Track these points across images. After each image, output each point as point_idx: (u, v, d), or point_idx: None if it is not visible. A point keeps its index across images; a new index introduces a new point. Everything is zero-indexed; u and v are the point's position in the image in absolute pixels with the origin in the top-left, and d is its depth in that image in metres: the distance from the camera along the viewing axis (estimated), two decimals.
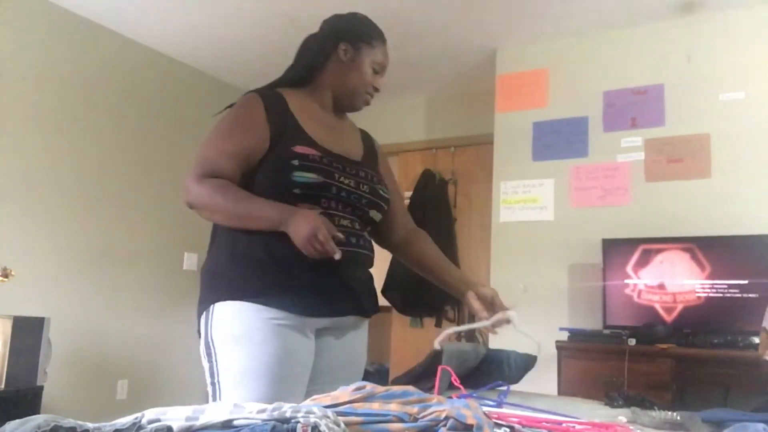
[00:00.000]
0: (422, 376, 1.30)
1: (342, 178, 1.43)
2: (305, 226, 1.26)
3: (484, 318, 1.48)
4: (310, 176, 1.37)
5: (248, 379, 1.29)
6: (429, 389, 1.20)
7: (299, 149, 1.39)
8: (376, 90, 1.57)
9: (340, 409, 0.76)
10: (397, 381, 1.34)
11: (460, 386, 1.14)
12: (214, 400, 1.29)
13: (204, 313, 1.36)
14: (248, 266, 1.36)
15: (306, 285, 1.37)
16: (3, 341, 2.75)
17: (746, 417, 1.14)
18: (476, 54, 4.00)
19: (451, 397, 1.27)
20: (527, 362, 1.54)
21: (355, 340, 1.53)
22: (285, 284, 1.35)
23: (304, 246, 1.27)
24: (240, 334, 1.30)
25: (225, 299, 1.33)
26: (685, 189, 3.27)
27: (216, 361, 1.32)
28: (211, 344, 1.33)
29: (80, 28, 3.66)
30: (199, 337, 1.39)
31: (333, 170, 1.42)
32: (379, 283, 4.45)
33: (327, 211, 1.40)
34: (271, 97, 1.45)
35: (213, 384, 1.33)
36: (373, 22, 1.57)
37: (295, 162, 1.37)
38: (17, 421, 0.62)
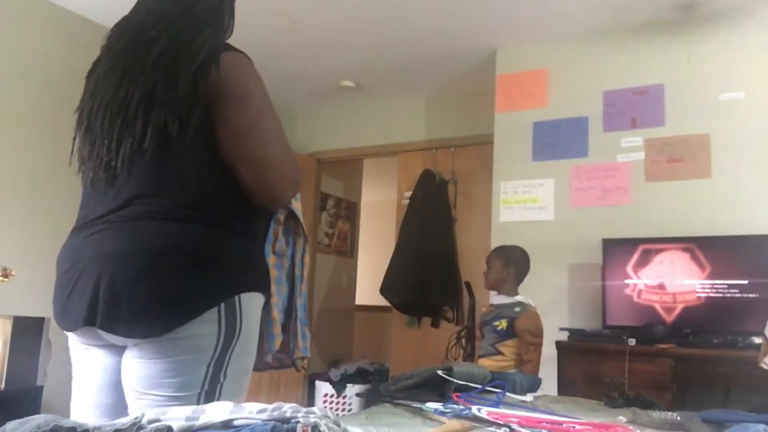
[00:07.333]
0: (418, 387, 1.32)
1: None
2: None
3: None
4: None
5: (246, 377, 1.26)
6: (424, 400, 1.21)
7: None
8: None
9: None
10: (396, 389, 1.35)
11: (459, 399, 1.15)
12: (215, 397, 1.19)
13: (224, 303, 1.20)
14: (255, 252, 1.32)
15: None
16: (3, 341, 2.75)
17: (746, 417, 1.14)
18: (476, 54, 4.00)
19: (452, 398, 1.27)
20: (532, 384, 1.57)
21: None
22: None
23: None
24: (253, 329, 1.26)
25: (247, 290, 1.25)
26: (685, 189, 3.27)
27: (231, 353, 1.20)
28: (236, 336, 1.20)
29: (80, 28, 3.66)
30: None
31: None
32: (378, 283, 4.48)
33: None
34: None
35: (216, 377, 1.19)
36: None
37: None
38: (17, 421, 0.62)
